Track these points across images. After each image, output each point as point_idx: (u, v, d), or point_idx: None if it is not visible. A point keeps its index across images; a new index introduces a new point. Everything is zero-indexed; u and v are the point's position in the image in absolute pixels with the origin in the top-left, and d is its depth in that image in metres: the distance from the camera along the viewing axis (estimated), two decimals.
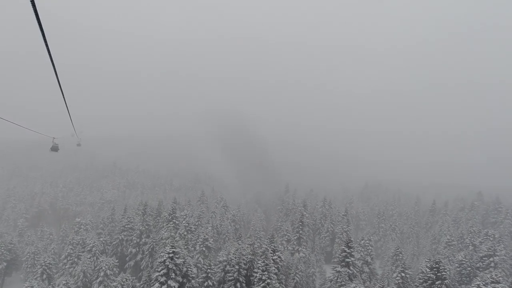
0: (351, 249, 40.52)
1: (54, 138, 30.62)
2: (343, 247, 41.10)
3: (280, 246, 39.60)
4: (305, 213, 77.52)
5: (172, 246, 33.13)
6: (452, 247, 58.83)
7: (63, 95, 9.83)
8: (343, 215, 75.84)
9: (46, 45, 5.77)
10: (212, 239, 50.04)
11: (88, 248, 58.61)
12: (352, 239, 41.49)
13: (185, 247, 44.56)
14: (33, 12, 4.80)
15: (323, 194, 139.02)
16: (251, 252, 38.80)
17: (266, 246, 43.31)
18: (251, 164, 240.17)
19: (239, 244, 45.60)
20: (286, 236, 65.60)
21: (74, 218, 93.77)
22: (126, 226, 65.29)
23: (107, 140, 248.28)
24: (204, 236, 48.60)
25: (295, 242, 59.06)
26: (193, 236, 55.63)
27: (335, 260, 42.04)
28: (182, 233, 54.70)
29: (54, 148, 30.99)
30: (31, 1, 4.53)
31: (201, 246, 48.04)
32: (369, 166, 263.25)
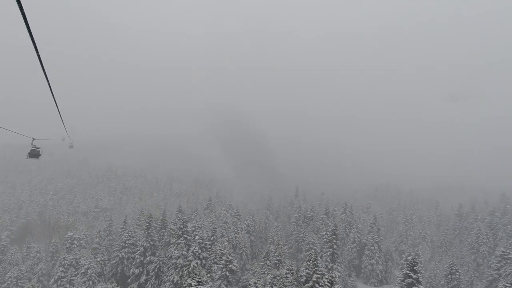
0: (418, 274, 32.16)
1: (33, 139, 21.60)
2: (407, 271, 32.73)
3: (337, 274, 30.99)
4: (328, 221, 69.25)
5: (198, 281, 24.29)
6: (509, 261, 51.01)
7: (51, 91, 8.96)
8: (371, 223, 67.63)
9: (32, 38, 5.55)
10: (236, 260, 41.24)
11: (83, 270, 49.35)
12: (417, 261, 33.10)
13: (208, 275, 35.73)
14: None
15: (334, 197, 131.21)
16: (294, 281, 30.27)
17: (307, 271, 34.63)
18: (253, 163, 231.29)
19: (270, 267, 36.75)
20: (313, 250, 56.99)
21: (66, 230, 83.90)
22: (127, 241, 56.12)
23: (100, 143, 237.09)
24: (227, 258, 39.75)
25: (328, 259, 50.58)
26: (209, 254, 46.73)
27: (398, 287, 33.69)
28: (196, 251, 45.78)
29: (34, 154, 21.94)
30: None
31: (224, 270, 39.22)
32: (375, 163, 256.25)
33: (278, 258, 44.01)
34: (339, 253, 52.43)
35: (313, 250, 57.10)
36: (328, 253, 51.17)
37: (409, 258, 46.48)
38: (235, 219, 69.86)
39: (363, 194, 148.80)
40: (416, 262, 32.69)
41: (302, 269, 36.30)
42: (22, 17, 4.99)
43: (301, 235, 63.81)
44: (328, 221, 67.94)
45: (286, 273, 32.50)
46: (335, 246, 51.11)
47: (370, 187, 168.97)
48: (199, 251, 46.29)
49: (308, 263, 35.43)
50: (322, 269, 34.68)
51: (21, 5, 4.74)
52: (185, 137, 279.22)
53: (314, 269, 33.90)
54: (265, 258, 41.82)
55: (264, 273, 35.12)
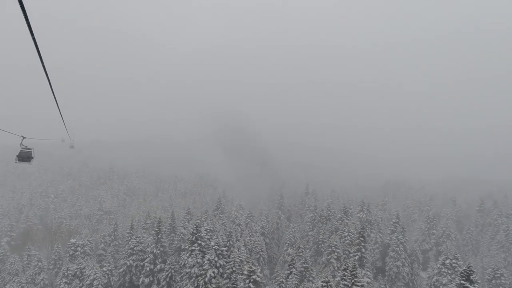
0: (475, 285, 27.95)
1: (23, 137, 17.25)
2: (461, 281, 28.49)
3: (366, 280, 26.78)
4: (347, 221, 64.97)
5: None
6: None
7: (52, 90, 9.12)
8: (394, 222, 63.41)
9: (35, 42, 5.76)
10: (259, 270, 36.98)
11: (88, 282, 45.22)
12: (474, 269, 28.88)
13: None
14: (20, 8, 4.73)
15: (344, 195, 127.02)
16: None
17: (345, 282, 30.43)
18: (257, 166, 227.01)
19: (297, 276, 32.48)
20: (336, 253, 52.89)
21: (69, 235, 79.85)
22: (135, 248, 51.95)
23: (101, 144, 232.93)
24: (250, 267, 35.50)
25: (356, 263, 46.29)
26: (226, 262, 42.54)
27: None
28: (212, 259, 41.57)
29: (24, 156, 17.56)
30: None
31: (247, 282, 35.02)
32: (379, 163, 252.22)
33: (304, 265, 39.82)
34: (367, 257, 48.25)
35: (335, 254, 53.04)
36: (356, 257, 46.94)
37: (447, 262, 42.29)
38: (248, 220, 65.71)
39: (372, 192, 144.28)
40: (472, 271, 28.46)
41: (337, 279, 32.06)
42: (24, 19, 5.02)
43: (321, 236, 59.59)
44: (347, 221, 63.71)
45: (322, 286, 28.38)
46: (363, 250, 46.90)
47: (378, 184, 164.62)
48: (216, 258, 42.09)
49: (345, 272, 31.19)
50: (361, 279, 30.45)
51: (23, 6, 4.74)
52: (189, 140, 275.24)
53: (353, 280, 29.66)
54: (291, 266, 37.52)
55: (293, 285, 30.92)
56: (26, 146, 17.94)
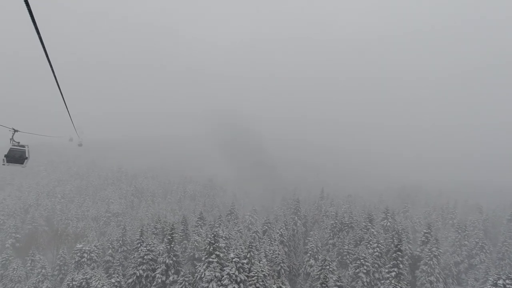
0: None
1: (14, 131, 13.09)
2: None
3: None
4: (373, 230, 59.91)
5: None
6: None
7: (59, 89, 9.12)
8: (425, 232, 58.23)
9: (41, 41, 5.88)
10: None
11: None
12: None
13: None
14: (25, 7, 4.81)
15: (359, 200, 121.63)
16: None
17: None
18: (264, 166, 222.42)
19: None
20: (365, 266, 48.01)
21: (75, 238, 76.53)
22: (145, 257, 47.79)
23: (108, 144, 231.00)
24: (279, 286, 30.94)
25: (393, 281, 41.47)
26: (247, 276, 38.06)
27: None
28: (233, 273, 37.13)
29: (15, 156, 13.30)
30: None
31: None
32: (388, 163, 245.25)
33: (338, 283, 35.16)
34: (405, 274, 43.24)
35: (364, 267, 48.18)
36: (393, 273, 42.00)
37: (500, 282, 37.19)
38: (266, 227, 61.18)
39: (388, 196, 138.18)
40: None
41: None
42: (32, 23, 5.20)
43: (346, 247, 54.72)
44: (373, 230, 58.69)
45: None
46: (401, 265, 41.92)
47: (392, 187, 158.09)
48: (236, 272, 37.64)
49: None
50: None
51: (30, 8, 4.86)
52: (193, 140, 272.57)
53: None
54: (323, 285, 32.83)
55: None
56: (19, 143, 13.78)
